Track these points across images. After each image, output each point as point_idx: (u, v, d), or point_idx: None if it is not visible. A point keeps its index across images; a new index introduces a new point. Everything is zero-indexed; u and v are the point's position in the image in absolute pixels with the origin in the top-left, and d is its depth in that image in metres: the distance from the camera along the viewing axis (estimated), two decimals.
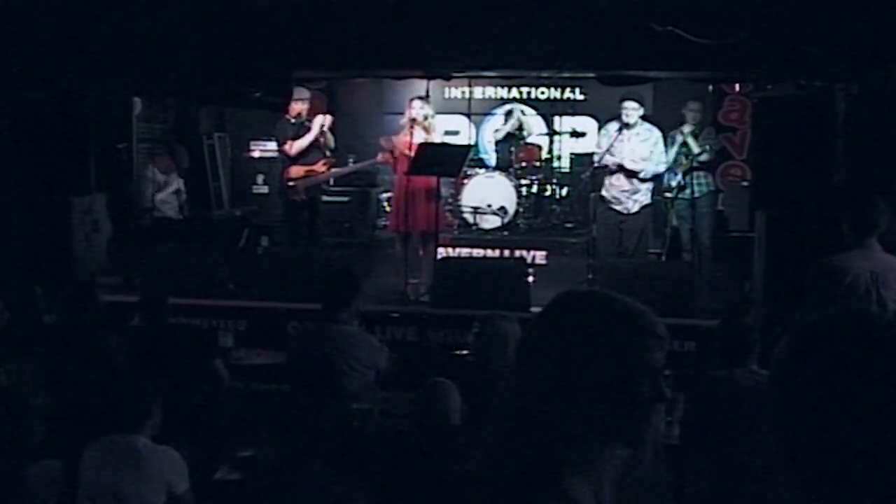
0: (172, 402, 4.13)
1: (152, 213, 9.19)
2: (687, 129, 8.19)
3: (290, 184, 8.44)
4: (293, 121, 8.47)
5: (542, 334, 1.61)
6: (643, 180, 8.03)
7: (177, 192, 9.57)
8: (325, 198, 9.25)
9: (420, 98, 8.09)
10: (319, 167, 8.53)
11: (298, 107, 8.49)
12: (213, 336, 5.76)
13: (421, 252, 7.93)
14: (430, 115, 7.97)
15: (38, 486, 3.81)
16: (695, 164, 8.17)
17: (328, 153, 8.71)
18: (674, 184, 8.26)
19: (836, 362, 1.33)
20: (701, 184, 8.26)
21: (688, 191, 8.20)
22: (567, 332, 1.56)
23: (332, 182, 9.46)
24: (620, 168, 7.96)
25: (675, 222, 8.61)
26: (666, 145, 8.16)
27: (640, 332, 1.56)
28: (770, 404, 1.41)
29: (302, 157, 8.45)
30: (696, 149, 8.14)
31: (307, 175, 8.46)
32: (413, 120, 7.87)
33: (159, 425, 3.79)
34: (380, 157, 8.51)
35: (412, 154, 7.64)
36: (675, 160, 8.22)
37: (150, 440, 3.71)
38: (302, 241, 8.55)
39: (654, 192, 8.26)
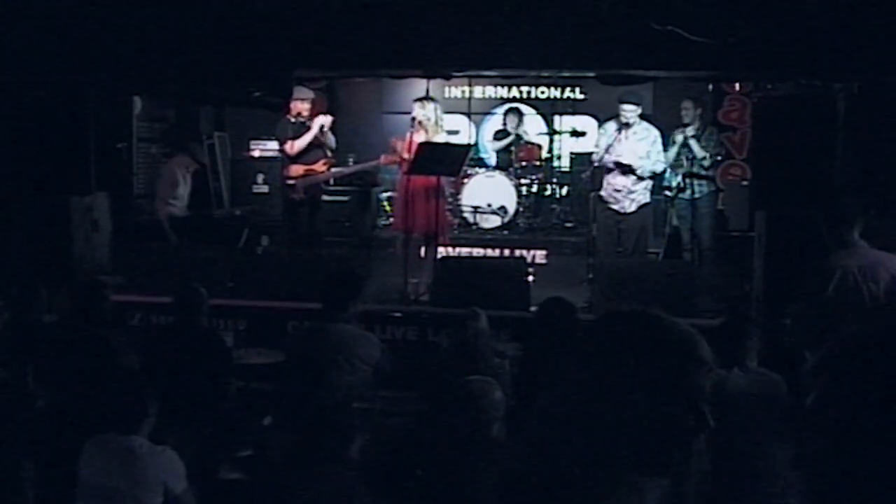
0: (182, 404, 4.13)
1: (168, 213, 9.15)
2: (690, 131, 8.19)
3: (290, 182, 8.44)
4: (293, 120, 8.46)
5: (582, 354, 1.53)
6: (641, 178, 8.02)
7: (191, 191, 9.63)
8: (325, 197, 9.25)
9: (423, 99, 8.08)
10: (319, 167, 8.52)
11: (300, 106, 8.47)
12: (230, 352, 5.70)
13: (423, 252, 7.92)
14: (432, 116, 7.92)
15: (36, 485, 3.82)
16: (695, 171, 8.17)
17: (329, 153, 8.70)
18: (674, 184, 8.26)
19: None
20: (702, 184, 8.27)
21: (688, 191, 8.21)
22: (608, 352, 1.49)
23: (332, 182, 9.46)
24: (618, 165, 7.95)
25: (675, 222, 8.61)
26: (666, 145, 8.16)
27: (683, 356, 1.47)
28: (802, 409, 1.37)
29: (302, 156, 8.44)
30: (699, 153, 8.14)
31: (307, 174, 8.45)
32: (413, 119, 7.89)
33: (154, 423, 3.78)
34: (382, 159, 8.50)
35: (410, 154, 7.65)
36: (676, 160, 8.22)
37: (148, 440, 3.71)
38: (302, 240, 8.54)
39: (653, 192, 8.26)
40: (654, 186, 8.22)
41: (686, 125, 8.27)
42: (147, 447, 3.64)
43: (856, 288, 4.71)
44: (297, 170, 8.42)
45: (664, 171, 8.23)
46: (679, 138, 8.18)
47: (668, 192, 8.36)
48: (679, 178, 8.20)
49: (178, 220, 9.07)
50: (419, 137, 7.81)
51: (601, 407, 1.45)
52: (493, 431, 3.71)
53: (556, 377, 1.57)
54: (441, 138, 7.96)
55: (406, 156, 7.76)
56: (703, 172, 8.26)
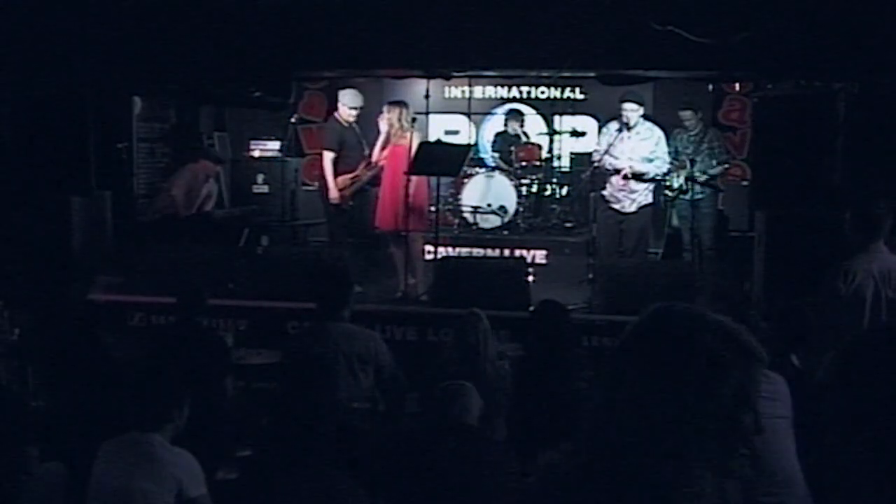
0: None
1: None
2: (684, 137, 8.28)
3: (342, 194, 8.30)
4: (346, 124, 8.34)
5: (633, 353, 1.53)
6: (647, 180, 8.01)
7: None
8: None
9: (391, 103, 8.13)
10: (361, 170, 8.41)
11: (349, 112, 8.36)
12: (229, 353, 5.71)
13: (403, 251, 7.91)
14: (395, 123, 7.94)
15: (40, 487, 3.81)
16: (697, 176, 8.19)
17: (365, 150, 8.52)
18: (675, 185, 8.26)
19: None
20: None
21: (689, 193, 8.21)
22: (660, 351, 1.49)
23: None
24: (626, 178, 7.92)
25: (675, 222, 8.61)
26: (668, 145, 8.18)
27: (750, 360, 1.47)
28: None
29: (343, 163, 8.30)
30: (704, 162, 8.21)
31: (354, 181, 8.38)
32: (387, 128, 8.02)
33: (183, 429, 3.78)
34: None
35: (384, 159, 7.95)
36: (679, 162, 8.24)
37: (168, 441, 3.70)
38: (342, 242, 8.53)
39: (654, 192, 8.25)
40: (655, 187, 8.22)
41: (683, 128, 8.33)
42: (166, 447, 3.64)
43: (875, 293, 4.70)
44: (343, 181, 8.32)
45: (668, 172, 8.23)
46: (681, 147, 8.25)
47: (668, 193, 8.37)
48: (681, 180, 8.21)
49: (176, 220, 9.06)
50: (382, 141, 8.02)
51: (656, 402, 1.44)
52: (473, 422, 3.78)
53: (606, 377, 1.55)
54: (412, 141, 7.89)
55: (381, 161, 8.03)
56: (705, 178, 8.27)
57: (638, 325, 1.55)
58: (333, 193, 8.26)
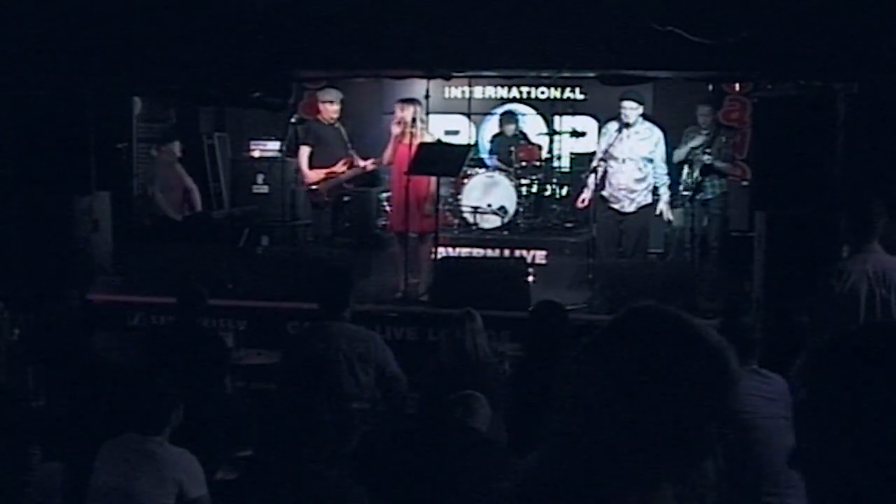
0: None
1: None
2: (698, 140, 8.24)
3: (313, 188, 8.39)
4: (324, 122, 8.42)
5: (611, 351, 1.45)
6: (647, 181, 8.01)
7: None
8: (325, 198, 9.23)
9: (404, 100, 8.10)
10: (339, 167, 8.46)
11: (330, 109, 8.45)
12: (229, 353, 5.72)
13: (419, 251, 7.92)
14: (409, 119, 7.90)
15: (40, 488, 3.81)
16: (713, 165, 8.18)
17: (350, 151, 8.61)
18: (689, 182, 8.26)
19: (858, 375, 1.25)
20: (714, 185, 8.28)
21: (701, 192, 8.20)
22: (634, 354, 1.43)
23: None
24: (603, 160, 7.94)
25: (679, 222, 8.60)
26: (678, 143, 8.18)
27: (718, 372, 1.43)
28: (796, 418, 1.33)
29: (320, 159, 8.41)
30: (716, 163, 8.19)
31: (328, 177, 8.41)
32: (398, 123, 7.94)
33: (182, 429, 3.79)
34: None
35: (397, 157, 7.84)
36: (691, 163, 8.26)
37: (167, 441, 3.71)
38: (328, 241, 8.57)
39: (654, 192, 8.24)
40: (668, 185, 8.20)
41: (693, 131, 8.33)
42: (166, 448, 3.64)
43: (869, 293, 4.70)
44: (316, 174, 8.39)
45: (669, 176, 8.20)
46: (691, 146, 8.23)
47: (686, 192, 8.35)
48: (696, 175, 8.18)
49: (175, 220, 9.06)
50: (401, 139, 7.92)
51: (625, 410, 1.39)
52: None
53: (571, 375, 1.51)
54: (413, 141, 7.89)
55: (389, 160, 7.98)
56: (719, 165, 8.28)
57: (615, 323, 1.48)
58: (308, 179, 8.52)
